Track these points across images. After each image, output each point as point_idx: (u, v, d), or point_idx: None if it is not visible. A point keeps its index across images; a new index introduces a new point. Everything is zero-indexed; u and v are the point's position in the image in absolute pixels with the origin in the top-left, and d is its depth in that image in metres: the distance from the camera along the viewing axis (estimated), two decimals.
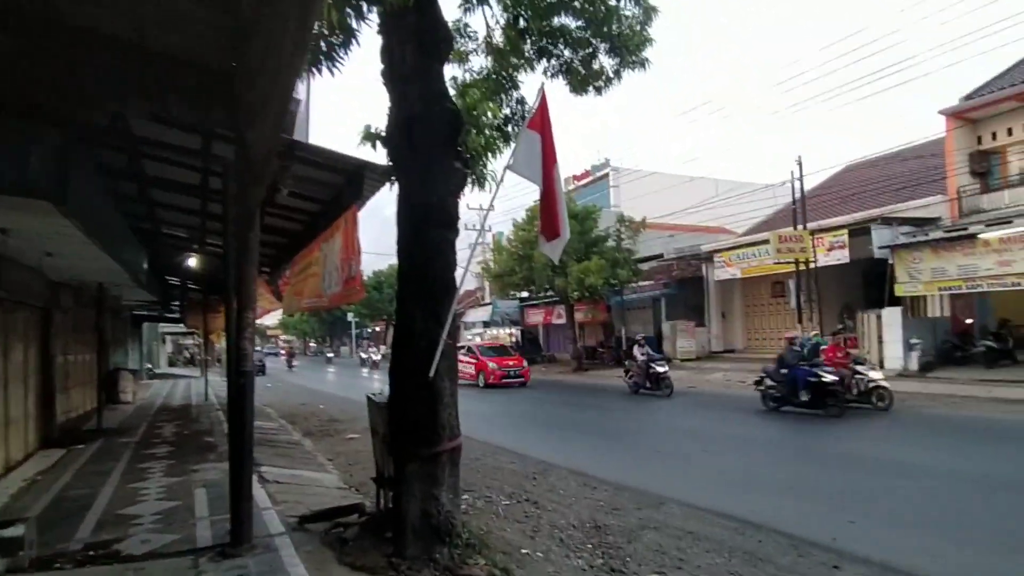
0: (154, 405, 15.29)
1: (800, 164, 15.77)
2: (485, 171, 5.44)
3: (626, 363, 15.72)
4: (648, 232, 26.60)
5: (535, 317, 31.48)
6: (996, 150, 17.19)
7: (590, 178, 39.56)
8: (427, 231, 4.45)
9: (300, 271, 8.31)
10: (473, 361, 19.93)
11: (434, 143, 4.46)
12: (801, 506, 5.79)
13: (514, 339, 30.49)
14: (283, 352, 61.65)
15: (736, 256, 20.60)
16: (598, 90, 5.95)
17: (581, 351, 25.46)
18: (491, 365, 19.37)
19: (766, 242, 17.65)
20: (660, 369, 14.41)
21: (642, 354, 14.92)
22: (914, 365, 14.46)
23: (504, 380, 19.05)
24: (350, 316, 51.59)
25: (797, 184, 15.95)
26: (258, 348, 44.33)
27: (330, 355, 31.36)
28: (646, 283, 25.09)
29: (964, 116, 17.66)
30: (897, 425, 9.91)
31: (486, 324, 33.60)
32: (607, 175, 38.23)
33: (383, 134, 4.84)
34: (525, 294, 27.32)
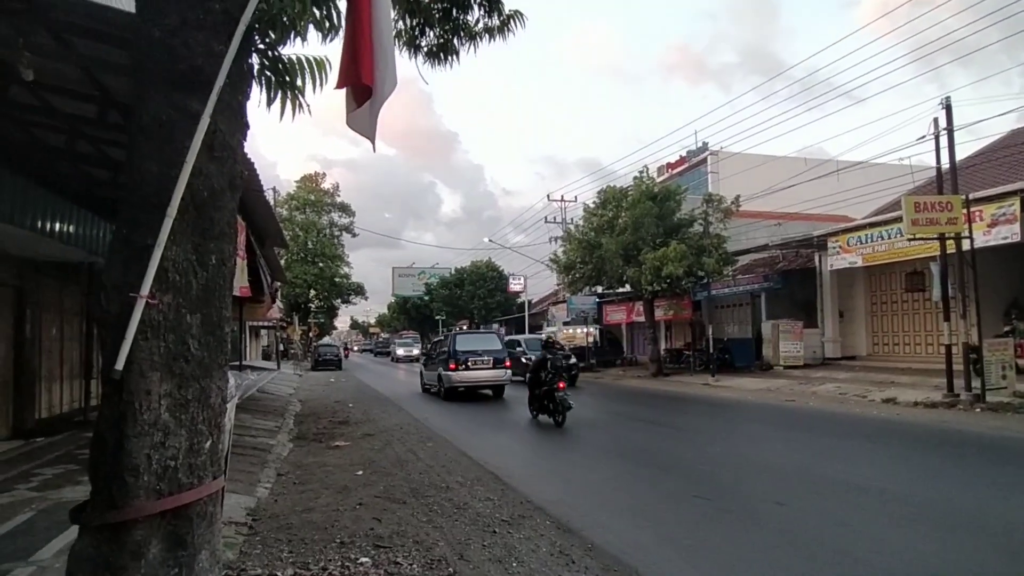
0: None
1: (948, 109, 11.72)
2: None
3: None
4: (752, 222, 22.68)
5: (616, 315, 28.33)
6: None
7: (685, 165, 35.48)
8: None
9: None
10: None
11: None
12: None
13: (592, 339, 27.54)
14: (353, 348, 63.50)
15: (856, 239, 16.55)
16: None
17: (661, 354, 22.13)
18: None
19: (898, 220, 13.74)
20: None
21: None
22: None
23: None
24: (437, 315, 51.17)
25: (943, 139, 11.94)
26: (332, 343, 44.87)
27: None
28: (745, 276, 21.39)
29: None
30: None
31: (565, 323, 30.92)
32: (704, 160, 34.06)
33: None
34: (600, 289, 24.34)
